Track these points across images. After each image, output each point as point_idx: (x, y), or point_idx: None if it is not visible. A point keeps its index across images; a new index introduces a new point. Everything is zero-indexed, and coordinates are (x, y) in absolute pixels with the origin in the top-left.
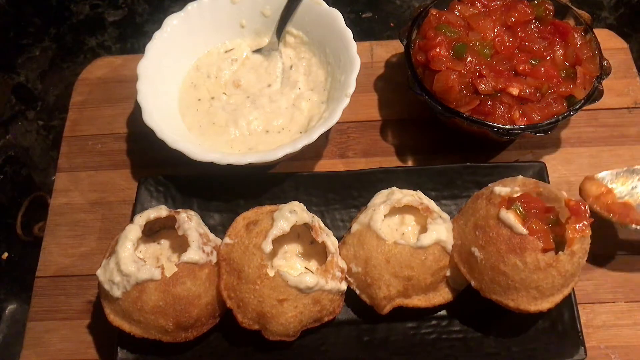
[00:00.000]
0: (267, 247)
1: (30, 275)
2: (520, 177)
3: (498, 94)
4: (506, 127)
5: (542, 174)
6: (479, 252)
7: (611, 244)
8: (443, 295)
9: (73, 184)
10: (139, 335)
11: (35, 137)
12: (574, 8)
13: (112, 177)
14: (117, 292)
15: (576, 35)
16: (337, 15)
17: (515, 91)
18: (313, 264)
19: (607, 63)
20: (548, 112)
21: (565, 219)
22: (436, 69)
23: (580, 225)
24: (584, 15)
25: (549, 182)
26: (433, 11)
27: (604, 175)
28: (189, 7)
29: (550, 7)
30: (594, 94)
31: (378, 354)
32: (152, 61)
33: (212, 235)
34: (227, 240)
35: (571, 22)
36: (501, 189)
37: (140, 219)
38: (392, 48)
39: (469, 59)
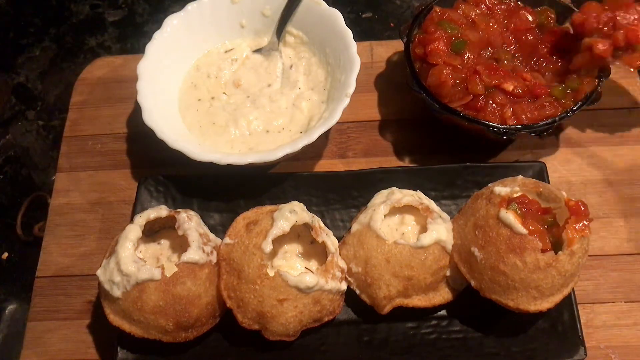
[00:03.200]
0: (267, 247)
1: (30, 275)
2: (520, 177)
3: (491, 90)
4: (503, 126)
5: (542, 174)
6: (478, 252)
7: (611, 244)
8: (443, 295)
9: (73, 184)
10: (139, 335)
11: (35, 137)
12: (576, 10)
13: (112, 177)
14: (117, 292)
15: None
16: (337, 15)
17: (509, 87)
18: (313, 264)
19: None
20: (540, 113)
21: (565, 219)
22: (433, 62)
23: (580, 225)
24: None
25: (549, 182)
26: (437, 8)
27: None
28: (189, 7)
29: (552, 15)
30: (593, 96)
31: (378, 354)
32: (152, 61)
33: (212, 235)
34: (227, 240)
35: None
36: (501, 189)
37: (140, 219)
38: (392, 48)
39: (467, 55)
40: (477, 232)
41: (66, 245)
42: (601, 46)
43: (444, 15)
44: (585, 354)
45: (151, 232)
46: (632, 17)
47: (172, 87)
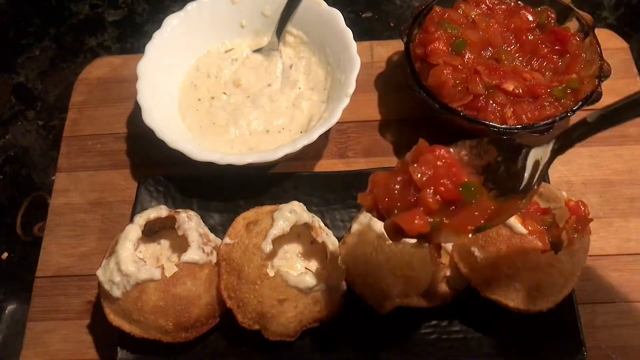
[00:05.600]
0: (267, 247)
1: (30, 275)
2: None
3: (491, 90)
4: (503, 126)
5: None
6: (478, 251)
7: (611, 244)
8: (443, 295)
9: (73, 184)
10: (139, 335)
11: (35, 137)
12: (576, 10)
13: (112, 177)
14: (117, 292)
15: (575, 42)
16: (337, 15)
17: (510, 87)
18: (313, 264)
19: (606, 65)
20: (540, 113)
21: (565, 219)
22: (433, 62)
23: (580, 225)
24: (586, 17)
25: (549, 182)
26: (437, 8)
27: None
28: (189, 7)
29: (553, 15)
30: (593, 96)
31: (378, 354)
32: (152, 61)
33: (212, 235)
34: (227, 240)
35: (573, 23)
36: None
37: (140, 219)
38: (392, 48)
39: (467, 55)
40: None
41: (66, 245)
42: (412, 221)
43: (444, 15)
44: (586, 355)
45: (151, 232)
46: (434, 166)
47: (172, 87)
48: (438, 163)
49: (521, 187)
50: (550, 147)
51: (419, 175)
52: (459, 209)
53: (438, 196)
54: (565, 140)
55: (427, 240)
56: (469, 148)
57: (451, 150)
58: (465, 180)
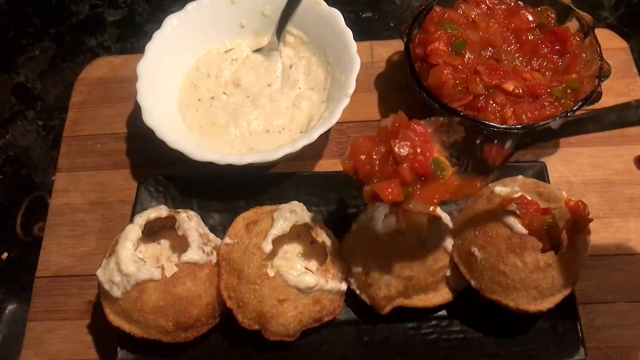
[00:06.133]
0: (267, 247)
1: (30, 275)
2: (520, 177)
3: (491, 90)
4: (503, 126)
5: (542, 174)
6: (478, 252)
7: (611, 244)
8: (443, 295)
9: (73, 184)
10: (139, 335)
11: (35, 137)
12: (576, 10)
13: (112, 177)
14: (117, 292)
15: (575, 42)
16: (337, 15)
17: (510, 87)
18: (313, 264)
19: (606, 65)
20: (540, 113)
21: (565, 219)
22: (433, 62)
23: (580, 225)
24: (586, 17)
25: (549, 182)
26: (437, 8)
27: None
28: (189, 7)
29: (553, 15)
30: (593, 96)
31: (378, 354)
32: (152, 61)
33: (212, 235)
34: (227, 240)
35: (573, 23)
36: (501, 189)
37: (140, 219)
38: (392, 48)
39: (467, 55)
40: (477, 232)
41: (66, 245)
42: (389, 191)
43: (444, 15)
44: (586, 355)
45: (151, 232)
46: (412, 143)
47: (172, 87)
48: (416, 139)
49: (481, 170)
50: (511, 142)
51: (400, 150)
52: (429, 181)
53: (413, 170)
54: (527, 140)
55: (398, 206)
56: (440, 125)
57: (423, 123)
58: (436, 156)
